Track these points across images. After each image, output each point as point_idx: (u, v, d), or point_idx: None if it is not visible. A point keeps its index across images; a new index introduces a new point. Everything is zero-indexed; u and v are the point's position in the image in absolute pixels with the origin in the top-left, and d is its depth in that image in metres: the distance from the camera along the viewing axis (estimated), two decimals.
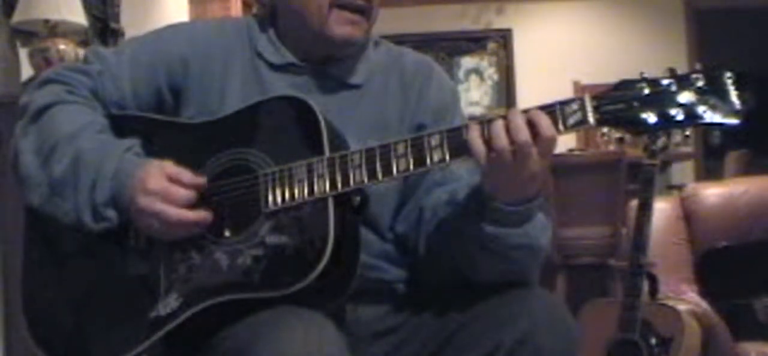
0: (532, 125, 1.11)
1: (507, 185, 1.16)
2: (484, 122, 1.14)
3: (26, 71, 2.66)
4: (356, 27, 1.34)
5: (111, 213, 1.23)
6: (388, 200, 1.35)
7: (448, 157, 1.15)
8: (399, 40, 1.64)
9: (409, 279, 1.37)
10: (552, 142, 1.12)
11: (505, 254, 1.21)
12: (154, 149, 1.29)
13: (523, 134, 1.11)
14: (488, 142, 1.12)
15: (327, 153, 1.19)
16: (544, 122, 1.12)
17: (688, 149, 5.35)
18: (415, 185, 1.35)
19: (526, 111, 1.13)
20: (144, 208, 1.20)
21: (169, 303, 1.20)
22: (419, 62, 1.46)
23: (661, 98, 1.10)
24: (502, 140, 1.11)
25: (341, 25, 1.33)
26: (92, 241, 1.25)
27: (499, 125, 1.12)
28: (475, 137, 1.13)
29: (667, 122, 1.10)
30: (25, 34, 2.69)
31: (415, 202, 1.35)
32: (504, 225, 1.19)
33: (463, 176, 1.31)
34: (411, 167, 1.16)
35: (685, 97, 1.09)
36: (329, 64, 1.38)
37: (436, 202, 1.31)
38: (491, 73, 6.63)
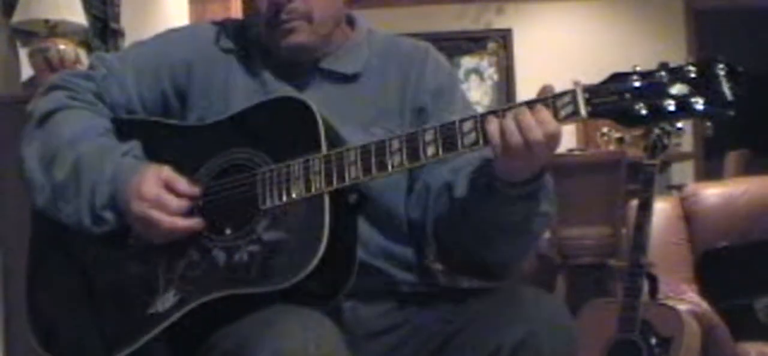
0: (539, 122, 1.13)
1: (520, 169, 1.18)
2: (500, 115, 1.15)
3: (26, 71, 2.66)
4: (298, 33, 1.33)
5: (109, 216, 1.25)
6: (398, 194, 1.35)
7: (441, 151, 1.16)
8: None
9: (409, 279, 1.36)
10: (556, 137, 1.14)
11: (526, 226, 1.24)
12: (154, 152, 1.30)
13: (535, 133, 1.12)
14: (502, 135, 1.14)
15: (324, 151, 1.19)
16: (547, 117, 1.13)
17: (687, 148, 5.35)
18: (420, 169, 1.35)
19: (528, 104, 1.14)
20: (137, 213, 1.21)
21: (167, 300, 1.21)
22: (415, 47, 1.46)
23: (653, 90, 1.10)
24: (515, 136, 1.13)
25: (284, 37, 1.33)
26: (94, 241, 1.27)
27: (511, 124, 1.13)
28: (494, 130, 1.14)
29: (659, 114, 1.10)
30: (25, 34, 2.68)
31: (422, 182, 1.36)
32: (520, 201, 1.21)
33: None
34: (405, 162, 1.17)
35: (677, 88, 1.10)
36: (320, 61, 1.38)
37: (440, 182, 1.32)
38: (491, 73, 6.63)
